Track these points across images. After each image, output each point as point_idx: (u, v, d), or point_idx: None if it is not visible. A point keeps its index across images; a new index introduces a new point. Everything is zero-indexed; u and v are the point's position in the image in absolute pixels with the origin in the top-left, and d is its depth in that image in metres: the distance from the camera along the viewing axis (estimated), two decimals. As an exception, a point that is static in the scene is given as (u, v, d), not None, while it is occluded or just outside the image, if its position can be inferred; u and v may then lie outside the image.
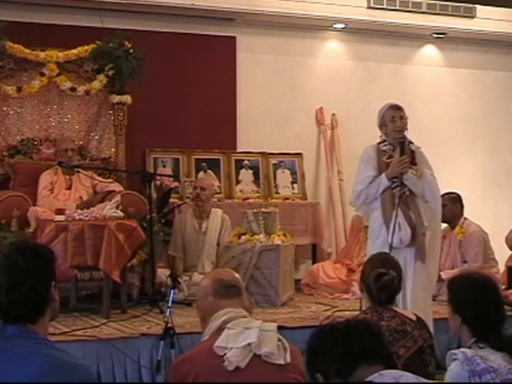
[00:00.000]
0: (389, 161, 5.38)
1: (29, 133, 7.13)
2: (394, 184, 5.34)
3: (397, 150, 5.36)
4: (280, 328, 2.87)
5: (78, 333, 5.12)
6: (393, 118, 5.41)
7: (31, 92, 7.01)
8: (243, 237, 6.67)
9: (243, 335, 2.75)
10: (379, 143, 5.50)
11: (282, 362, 2.74)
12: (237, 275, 3.04)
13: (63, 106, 7.25)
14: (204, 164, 7.95)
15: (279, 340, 2.81)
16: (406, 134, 5.45)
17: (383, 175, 5.34)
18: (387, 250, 5.14)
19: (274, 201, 7.90)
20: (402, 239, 5.27)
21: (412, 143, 5.53)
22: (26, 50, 6.98)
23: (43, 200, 6.61)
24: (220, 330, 2.79)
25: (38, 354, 2.21)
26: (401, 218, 5.28)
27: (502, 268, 7.19)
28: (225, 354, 2.69)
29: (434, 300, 6.65)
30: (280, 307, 6.39)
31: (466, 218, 7.04)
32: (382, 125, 5.47)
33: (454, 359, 2.67)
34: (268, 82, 8.55)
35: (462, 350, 2.68)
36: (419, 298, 5.22)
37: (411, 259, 5.25)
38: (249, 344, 2.72)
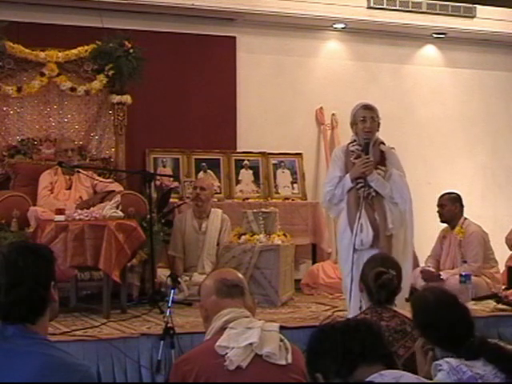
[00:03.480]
0: (356, 161, 5.37)
1: (29, 133, 7.13)
2: (360, 185, 5.32)
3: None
4: (280, 328, 2.87)
5: (77, 333, 5.11)
6: (363, 118, 5.40)
7: (31, 92, 7.01)
8: (243, 237, 6.67)
9: (245, 335, 2.75)
10: (349, 143, 5.50)
11: (284, 363, 2.75)
12: (240, 275, 3.05)
13: (63, 106, 7.25)
14: (204, 164, 7.95)
15: (281, 340, 2.81)
16: (377, 134, 5.42)
17: (347, 175, 5.35)
18: (351, 252, 5.14)
19: (274, 201, 7.90)
20: (363, 241, 5.24)
21: (383, 143, 5.51)
22: (26, 50, 6.97)
23: (43, 200, 6.61)
24: (222, 329, 2.79)
25: (38, 354, 2.21)
26: (364, 219, 5.25)
27: (502, 268, 7.19)
28: (226, 354, 2.69)
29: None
30: (280, 307, 6.39)
31: (465, 218, 7.03)
32: (353, 124, 5.47)
33: (440, 370, 2.58)
34: (268, 82, 8.55)
35: (446, 359, 2.59)
36: None
37: None
38: (250, 344, 2.73)
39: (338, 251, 5.67)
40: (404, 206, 5.38)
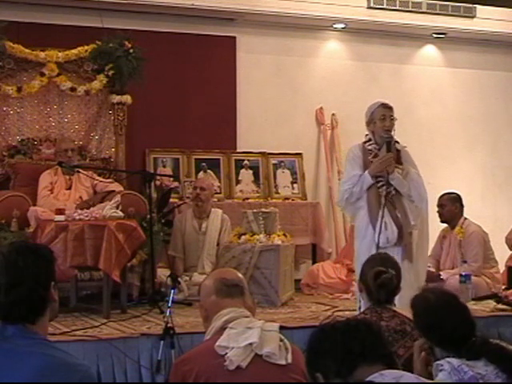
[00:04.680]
0: (375, 160, 5.39)
1: (29, 133, 7.13)
2: (380, 183, 5.36)
3: (383, 149, 5.39)
4: (280, 328, 2.87)
5: (78, 333, 5.11)
6: (383, 117, 5.41)
7: (31, 92, 7.01)
8: (243, 237, 6.67)
9: (245, 335, 2.75)
10: (364, 142, 5.51)
11: (284, 363, 2.75)
12: (240, 275, 3.05)
13: (63, 106, 7.25)
14: (204, 164, 7.95)
15: (281, 340, 2.81)
16: (392, 134, 5.45)
17: (366, 173, 5.37)
18: (374, 250, 5.16)
19: (274, 201, 7.90)
20: (389, 238, 5.29)
21: (397, 142, 5.53)
22: (26, 50, 6.98)
23: (43, 200, 6.61)
24: (222, 329, 2.79)
25: (38, 354, 2.21)
26: (387, 217, 5.30)
27: (502, 268, 7.19)
28: (226, 354, 2.69)
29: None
30: (280, 307, 6.38)
31: (465, 218, 7.04)
32: (371, 122, 5.47)
33: (441, 370, 2.58)
34: (268, 82, 8.55)
35: (447, 359, 2.60)
36: (406, 297, 5.18)
37: (398, 258, 5.20)
38: (250, 344, 2.72)
39: (355, 249, 5.65)
40: (421, 203, 5.46)
